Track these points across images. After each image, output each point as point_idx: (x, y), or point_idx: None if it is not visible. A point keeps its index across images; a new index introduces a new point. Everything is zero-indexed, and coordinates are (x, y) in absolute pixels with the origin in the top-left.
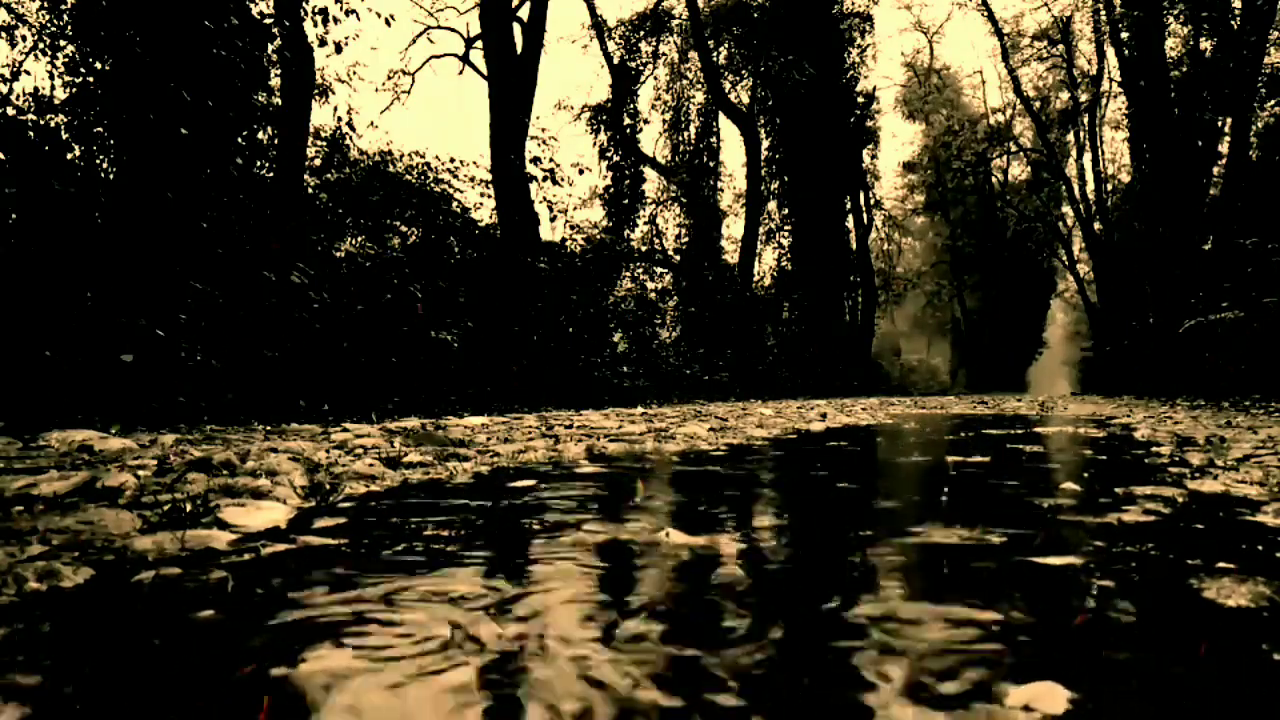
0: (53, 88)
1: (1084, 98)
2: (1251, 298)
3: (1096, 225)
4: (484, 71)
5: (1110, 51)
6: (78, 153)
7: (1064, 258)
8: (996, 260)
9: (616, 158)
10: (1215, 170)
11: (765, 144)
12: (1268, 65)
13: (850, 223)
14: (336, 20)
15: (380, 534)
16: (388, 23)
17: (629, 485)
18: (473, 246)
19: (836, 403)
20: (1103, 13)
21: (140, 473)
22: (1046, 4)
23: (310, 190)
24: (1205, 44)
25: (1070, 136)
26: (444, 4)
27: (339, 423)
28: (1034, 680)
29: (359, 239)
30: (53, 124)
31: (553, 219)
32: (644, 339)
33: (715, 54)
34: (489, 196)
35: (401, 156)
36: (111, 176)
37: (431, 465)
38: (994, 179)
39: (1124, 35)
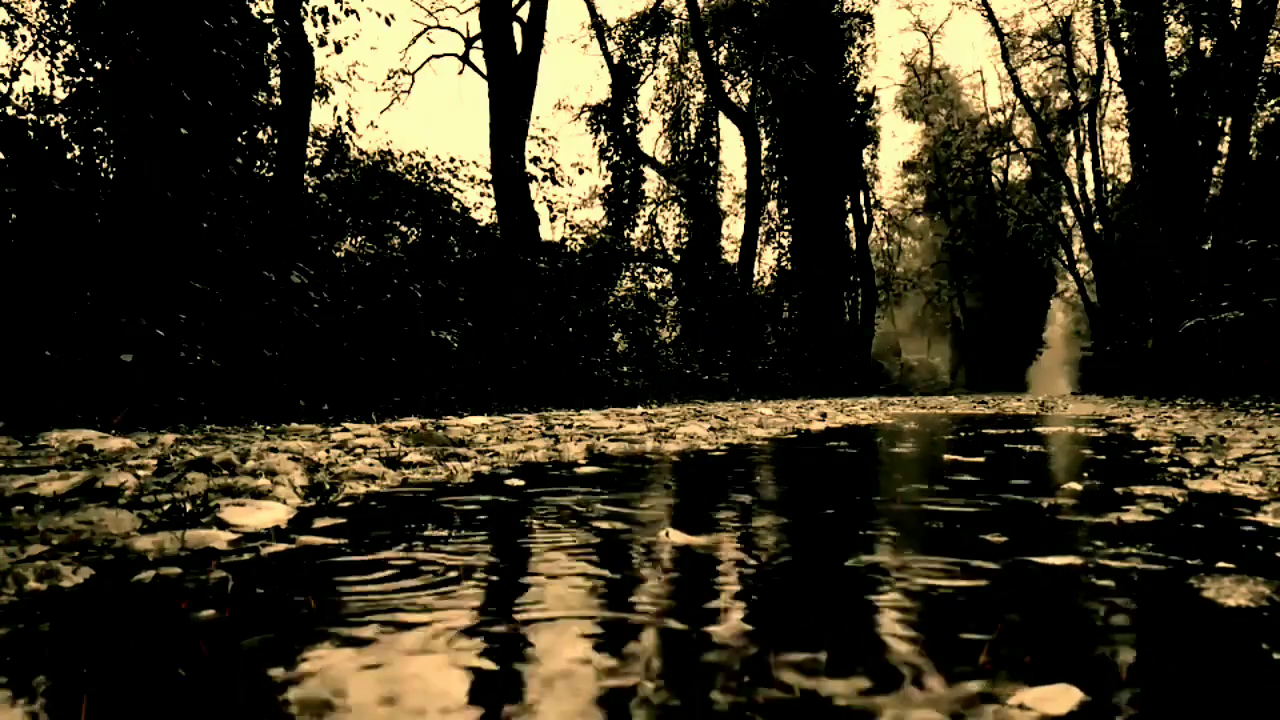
0: (53, 88)
1: (1084, 98)
2: (1251, 298)
3: (1096, 225)
4: (484, 71)
5: (1110, 51)
6: (78, 153)
7: (1064, 258)
8: (996, 260)
9: (616, 158)
10: (1215, 170)
11: (765, 144)
12: (1268, 65)
13: (850, 223)
14: (336, 20)
15: (380, 534)
16: (388, 22)
17: (626, 486)
18: (473, 246)
19: (836, 402)
20: (1103, 13)
21: (140, 473)
22: (1046, 4)
23: (310, 190)
24: (1205, 44)
25: (1070, 136)
26: (444, 4)
27: (339, 422)
28: (1033, 679)
29: (359, 239)
30: (53, 124)
31: (553, 219)
32: (644, 339)
33: (715, 54)
34: (489, 196)
35: (401, 156)
36: (111, 176)
37: (431, 465)
38: (994, 179)
39: (1124, 35)
